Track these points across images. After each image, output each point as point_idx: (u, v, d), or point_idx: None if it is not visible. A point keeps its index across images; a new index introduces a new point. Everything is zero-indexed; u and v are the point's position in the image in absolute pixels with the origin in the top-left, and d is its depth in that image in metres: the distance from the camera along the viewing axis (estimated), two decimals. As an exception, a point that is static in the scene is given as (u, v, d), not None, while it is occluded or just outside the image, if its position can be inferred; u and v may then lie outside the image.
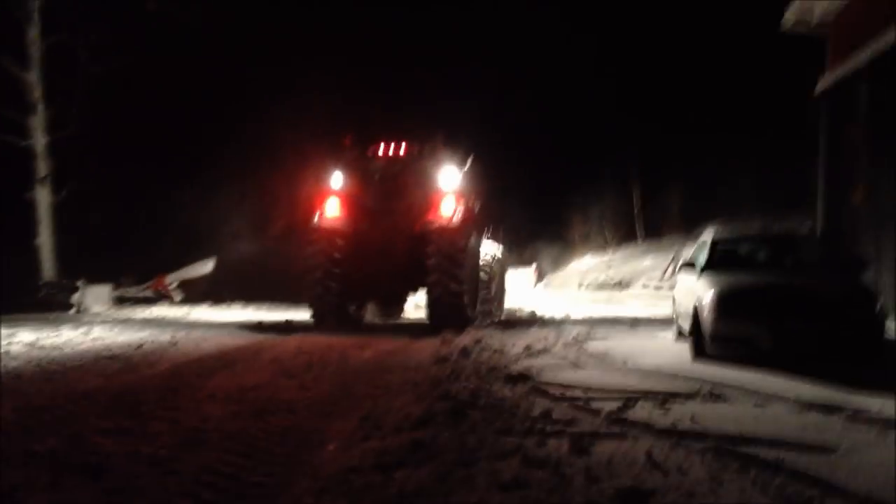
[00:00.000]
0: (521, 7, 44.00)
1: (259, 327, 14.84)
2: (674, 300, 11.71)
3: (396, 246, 14.97)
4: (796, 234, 14.28)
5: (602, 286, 33.53)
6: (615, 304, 24.95)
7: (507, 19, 43.48)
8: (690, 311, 9.30)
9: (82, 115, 23.84)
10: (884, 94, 13.86)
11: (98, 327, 13.71)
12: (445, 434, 5.29)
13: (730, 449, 4.81)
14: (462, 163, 15.83)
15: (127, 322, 15.32)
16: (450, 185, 15.20)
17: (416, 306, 17.97)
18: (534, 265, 35.52)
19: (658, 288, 30.43)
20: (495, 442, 5.12)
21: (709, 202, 43.90)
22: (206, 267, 28.28)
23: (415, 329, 14.23)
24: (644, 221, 48.41)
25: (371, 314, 17.44)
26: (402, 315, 18.36)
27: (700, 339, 8.67)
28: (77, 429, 5.43)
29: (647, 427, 5.54)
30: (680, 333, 10.70)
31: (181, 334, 12.39)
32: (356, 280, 15.14)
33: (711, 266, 9.87)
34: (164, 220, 35.76)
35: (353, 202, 15.30)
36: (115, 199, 31.78)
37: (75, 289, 19.91)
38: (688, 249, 26.72)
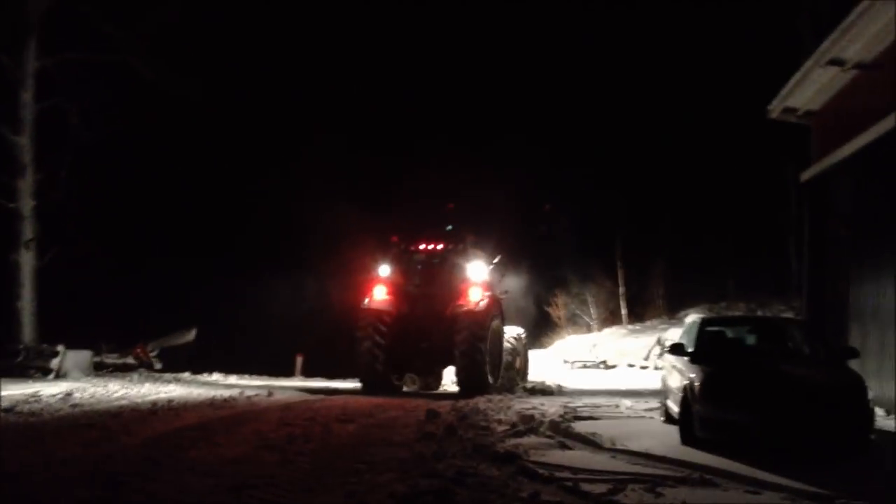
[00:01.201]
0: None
1: (234, 398, 14.61)
2: (663, 381, 11.60)
3: (432, 326, 17.95)
4: (785, 320, 14.31)
5: (587, 365, 33.49)
6: (602, 383, 25.11)
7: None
8: (679, 393, 9.21)
9: (71, 180, 23.87)
10: (866, 189, 14.01)
11: (77, 394, 13.46)
12: (432, 514, 5.17)
13: (724, 537, 4.70)
14: (489, 259, 19.28)
15: (106, 389, 15.05)
16: (477, 277, 18.23)
17: (452, 381, 19.59)
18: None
19: (643, 368, 30.41)
20: (484, 523, 5.00)
21: (690, 288, 44.25)
22: (188, 336, 27.98)
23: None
24: (627, 304, 48.55)
25: (411, 384, 20.00)
26: (440, 387, 20.22)
27: (689, 422, 8.55)
28: (55, 497, 5.27)
29: (638, 512, 5.44)
30: (668, 415, 10.57)
31: (162, 402, 12.17)
32: (398, 354, 17.96)
33: (701, 349, 9.80)
34: (146, 288, 35.63)
35: (396, 289, 18.27)
36: (97, 266, 31.64)
37: (55, 354, 19.53)
38: (673, 331, 26.79)
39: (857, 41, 12.94)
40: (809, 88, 15.44)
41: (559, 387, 20.82)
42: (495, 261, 19.73)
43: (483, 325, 17.26)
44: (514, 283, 22.24)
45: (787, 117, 16.83)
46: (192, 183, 37.60)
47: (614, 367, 31.82)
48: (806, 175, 16.78)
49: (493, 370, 17.77)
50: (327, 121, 38.92)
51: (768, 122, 17.91)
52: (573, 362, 34.39)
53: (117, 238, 34.71)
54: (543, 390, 19.01)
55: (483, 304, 17.59)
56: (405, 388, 19.47)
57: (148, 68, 23.19)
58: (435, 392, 19.38)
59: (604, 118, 46.18)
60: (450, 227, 20.10)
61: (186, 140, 33.67)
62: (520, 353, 20.66)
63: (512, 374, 19.96)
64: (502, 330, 19.13)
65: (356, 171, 38.34)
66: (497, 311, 18.49)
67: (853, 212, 14.72)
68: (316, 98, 40.95)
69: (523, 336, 21.31)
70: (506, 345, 19.44)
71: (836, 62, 13.92)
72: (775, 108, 16.66)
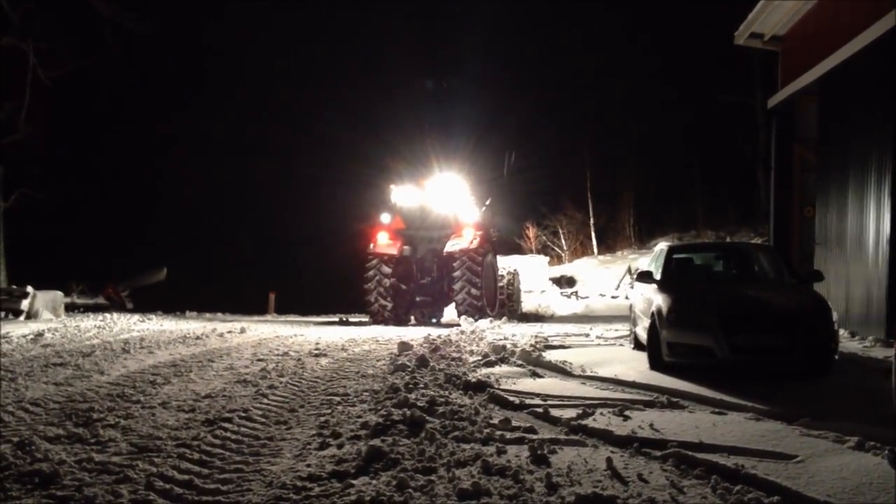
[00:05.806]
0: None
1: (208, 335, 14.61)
2: (631, 309, 11.74)
3: (431, 265, 20.51)
4: (751, 246, 14.46)
5: (562, 294, 33.86)
6: (577, 309, 25.64)
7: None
8: (647, 320, 9.32)
9: (31, 121, 23.38)
10: (831, 114, 14.05)
11: (48, 334, 13.38)
12: (404, 442, 5.25)
13: (689, 456, 4.82)
14: (481, 202, 21.66)
15: (78, 329, 14.97)
16: (470, 218, 20.35)
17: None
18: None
19: (614, 297, 30.77)
20: (454, 450, 5.09)
21: (660, 218, 44.57)
22: (158, 275, 27.85)
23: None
24: (597, 235, 48.85)
25: (417, 317, 21.48)
26: (442, 319, 21.45)
27: (657, 348, 8.68)
28: (27, 435, 5.28)
29: (606, 435, 5.55)
30: (637, 342, 10.72)
31: (134, 341, 12.15)
32: (403, 291, 20.39)
33: (667, 276, 9.91)
34: (113, 228, 35.24)
35: (397, 233, 20.37)
36: (63, 206, 31.22)
37: (25, 295, 19.30)
38: (643, 261, 27.14)
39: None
40: (776, 13, 15.38)
41: (553, 314, 24.32)
42: (486, 202, 21.98)
43: (477, 261, 19.27)
44: (497, 220, 23.79)
45: (754, 43, 16.81)
46: (157, 120, 36.93)
47: (586, 298, 32.15)
48: (773, 101, 16.81)
49: (489, 301, 19.87)
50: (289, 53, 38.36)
51: (736, 49, 17.92)
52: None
53: (83, 178, 34.20)
54: (539, 316, 22.22)
55: (476, 242, 19.49)
56: (413, 321, 20.97)
57: (104, 4, 22.56)
58: (441, 323, 20.52)
59: (572, 45, 45.92)
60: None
61: (145, 77, 33.01)
62: (514, 285, 23.00)
63: (513, 303, 22.59)
64: (496, 264, 21.45)
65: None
66: (489, 247, 20.63)
67: (818, 137, 14.80)
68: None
69: (516, 270, 23.75)
70: (501, 278, 21.91)
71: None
72: (741, 34, 16.62)
